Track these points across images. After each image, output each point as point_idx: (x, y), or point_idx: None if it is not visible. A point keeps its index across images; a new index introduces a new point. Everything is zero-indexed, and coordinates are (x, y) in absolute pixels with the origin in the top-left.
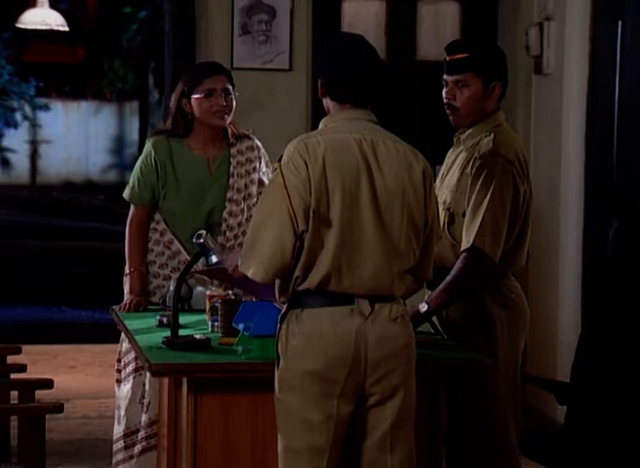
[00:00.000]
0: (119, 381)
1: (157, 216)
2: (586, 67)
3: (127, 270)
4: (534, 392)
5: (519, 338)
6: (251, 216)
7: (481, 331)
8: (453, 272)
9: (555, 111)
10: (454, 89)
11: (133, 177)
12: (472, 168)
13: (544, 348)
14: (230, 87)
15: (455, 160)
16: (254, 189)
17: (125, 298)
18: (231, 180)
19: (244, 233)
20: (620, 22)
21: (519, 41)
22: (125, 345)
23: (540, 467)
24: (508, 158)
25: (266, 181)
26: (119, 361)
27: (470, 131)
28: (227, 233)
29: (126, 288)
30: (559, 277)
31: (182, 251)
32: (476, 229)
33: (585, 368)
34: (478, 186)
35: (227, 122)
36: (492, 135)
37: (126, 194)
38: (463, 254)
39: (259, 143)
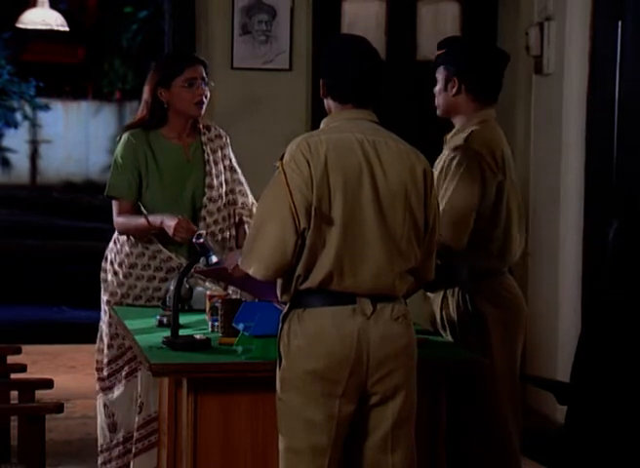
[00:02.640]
0: (104, 389)
1: None
2: (586, 67)
3: (154, 223)
4: (534, 392)
5: (516, 338)
6: (229, 202)
7: (472, 329)
8: None
9: (555, 111)
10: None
11: (113, 170)
12: (444, 163)
13: (544, 348)
14: (206, 76)
15: (440, 160)
16: (228, 175)
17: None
18: (207, 167)
19: (224, 219)
20: (619, 22)
21: (519, 41)
22: (106, 352)
23: (540, 467)
24: (477, 150)
25: (237, 167)
26: (100, 370)
27: (454, 130)
28: (207, 219)
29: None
30: (559, 277)
31: (163, 249)
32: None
33: (585, 368)
34: (448, 179)
35: (203, 111)
36: (468, 131)
37: (109, 188)
38: None
39: (222, 132)
